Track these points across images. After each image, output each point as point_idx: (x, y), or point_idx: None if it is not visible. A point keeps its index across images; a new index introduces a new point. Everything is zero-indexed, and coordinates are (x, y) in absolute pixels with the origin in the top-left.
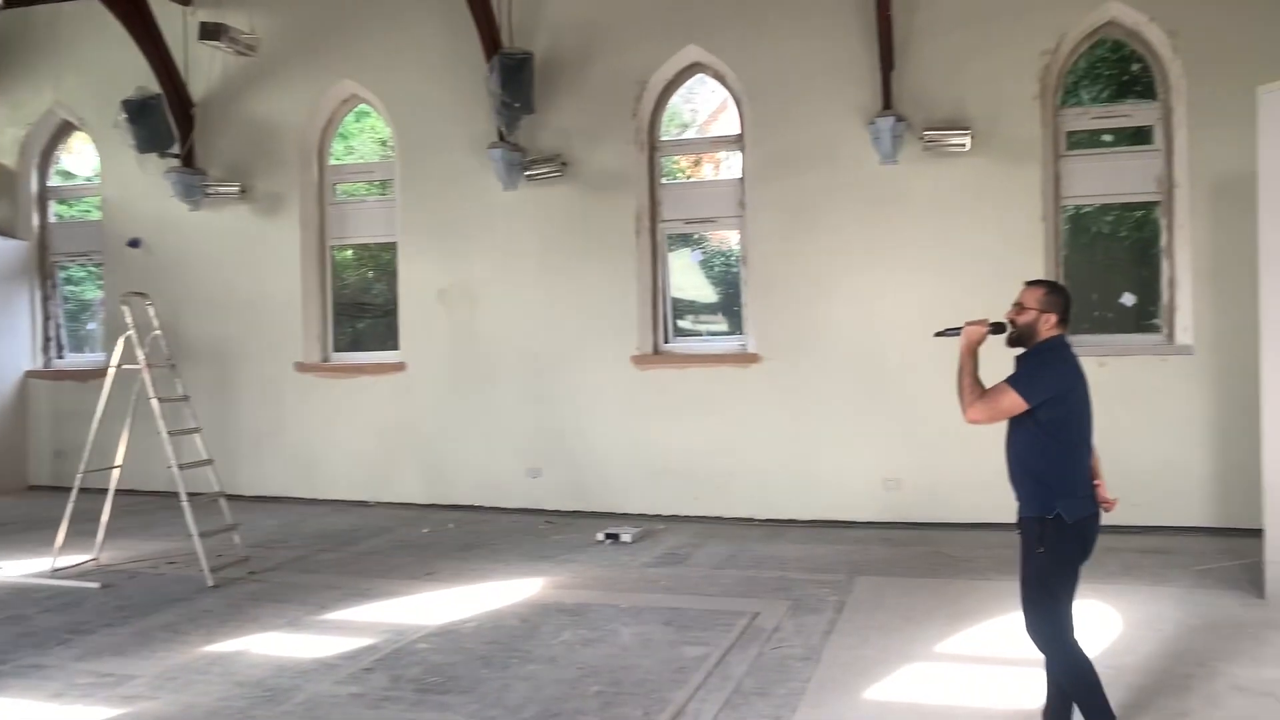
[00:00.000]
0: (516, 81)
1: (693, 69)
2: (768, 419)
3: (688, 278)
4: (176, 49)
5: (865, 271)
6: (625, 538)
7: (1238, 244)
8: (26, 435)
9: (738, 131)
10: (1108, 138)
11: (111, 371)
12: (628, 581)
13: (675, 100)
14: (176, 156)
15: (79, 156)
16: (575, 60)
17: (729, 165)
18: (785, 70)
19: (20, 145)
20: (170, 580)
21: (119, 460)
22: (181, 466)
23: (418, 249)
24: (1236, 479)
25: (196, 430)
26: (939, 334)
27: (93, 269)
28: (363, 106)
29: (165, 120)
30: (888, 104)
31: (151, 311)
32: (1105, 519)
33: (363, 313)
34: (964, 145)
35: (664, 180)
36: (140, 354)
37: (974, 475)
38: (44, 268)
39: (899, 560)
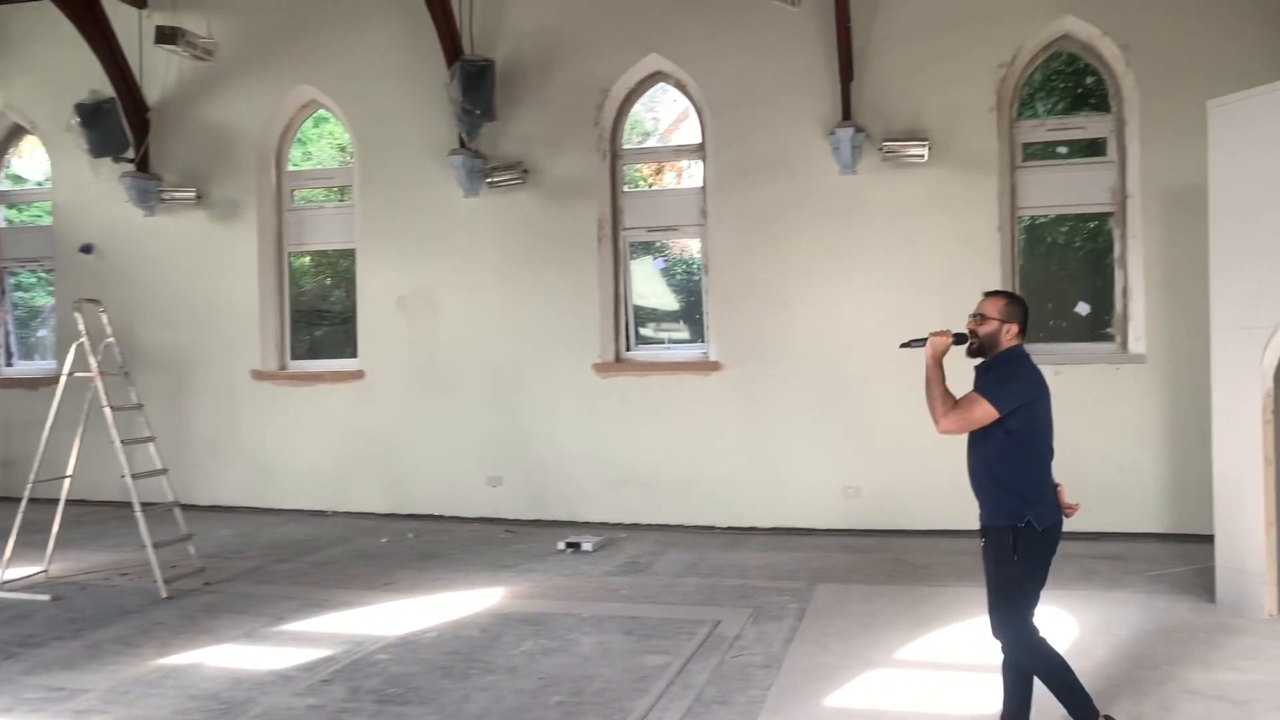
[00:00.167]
0: (478, 88)
1: (654, 78)
2: (729, 427)
3: (650, 286)
4: (131, 52)
5: (825, 280)
6: (586, 546)
7: (1189, 254)
8: None
9: (699, 140)
10: (1062, 149)
11: (63, 379)
12: (589, 590)
13: (637, 109)
14: (131, 161)
15: (30, 160)
16: (537, 68)
17: (691, 174)
18: (746, 80)
19: None
20: (123, 592)
21: (70, 470)
22: (135, 476)
23: (377, 256)
24: (1188, 486)
25: (150, 439)
26: (904, 345)
27: (44, 275)
28: (321, 112)
29: (119, 124)
30: (847, 115)
31: (105, 318)
32: (1064, 524)
33: (321, 320)
34: (922, 156)
35: (626, 188)
36: (93, 361)
37: (932, 482)
38: None
39: (859, 567)
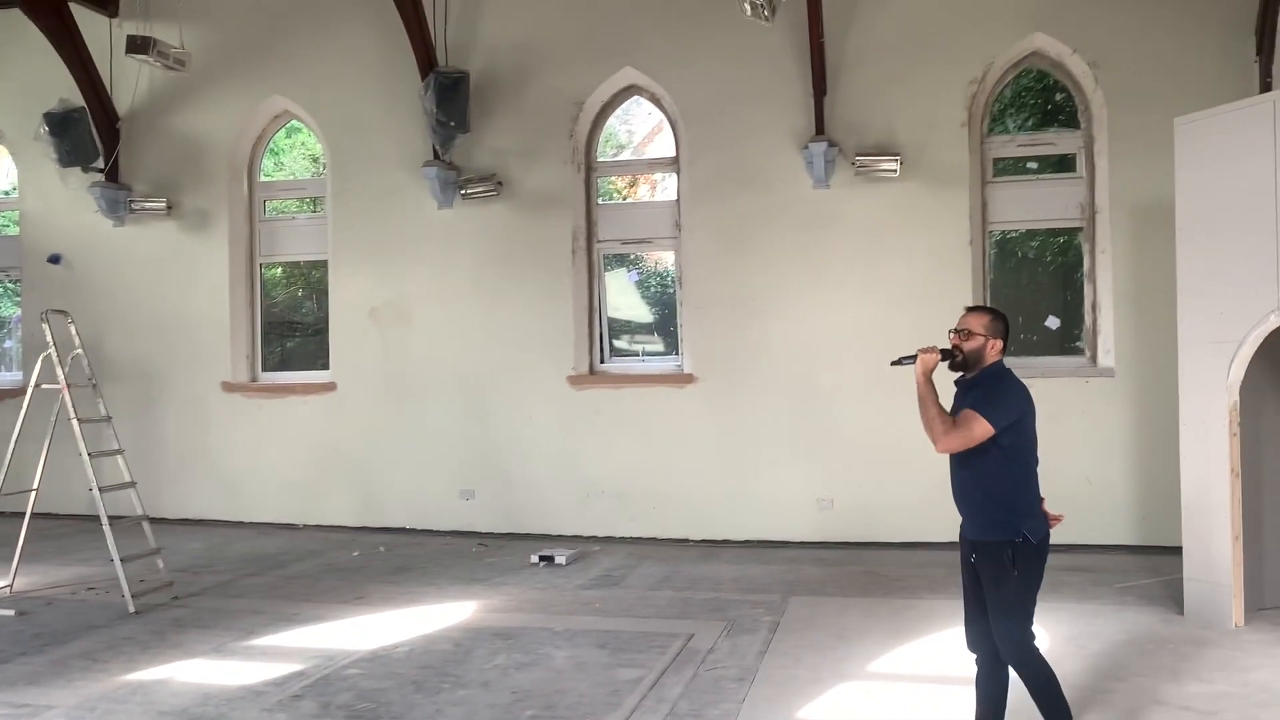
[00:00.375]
0: (452, 100)
1: (629, 91)
2: (702, 439)
3: (624, 298)
4: (102, 61)
5: (798, 293)
6: (559, 560)
7: (1157, 269)
8: None
9: (673, 154)
10: (1033, 165)
11: (30, 391)
12: (562, 604)
13: (612, 122)
14: (100, 171)
15: None
16: (511, 80)
17: (665, 187)
18: (720, 94)
19: None
20: (90, 607)
21: (36, 483)
22: (103, 489)
23: (350, 267)
24: (1157, 498)
25: (119, 452)
26: (895, 363)
27: (10, 285)
28: (294, 123)
29: (89, 133)
30: (820, 129)
31: (73, 329)
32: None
33: (292, 331)
34: (894, 170)
35: (600, 200)
36: (61, 373)
37: (905, 495)
38: None
39: (832, 580)
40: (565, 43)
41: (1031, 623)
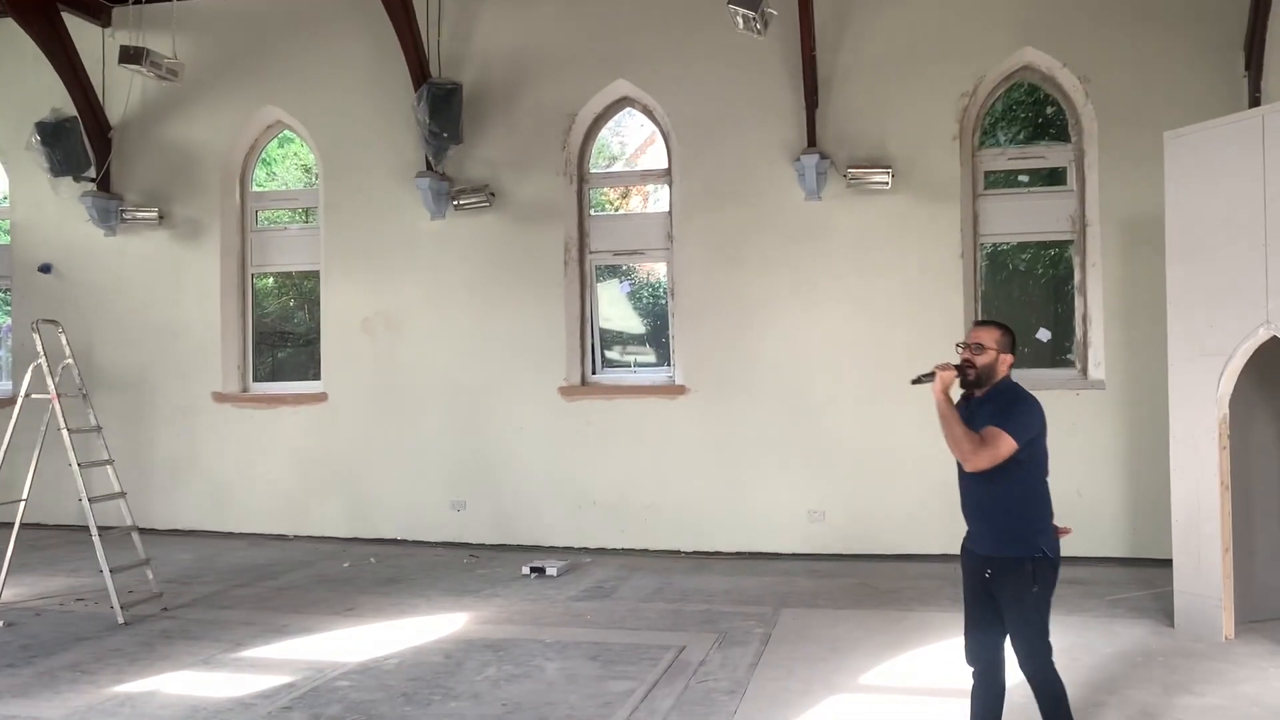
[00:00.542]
0: (445, 111)
1: (621, 103)
2: (694, 450)
3: (616, 309)
4: (94, 70)
5: (790, 305)
6: (551, 571)
7: (1147, 282)
8: None
9: (666, 165)
10: (1023, 178)
11: (20, 401)
12: (553, 616)
13: (604, 133)
14: (92, 180)
15: None
16: (504, 92)
17: (657, 198)
18: (713, 106)
19: None
20: (79, 618)
21: (26, 493)
22: (92, 499)
23: (342, 277)
24: (1147, 510)
25: (109, 462)
26: (916, 381)
27: (1, 294)
28: (286, 133)
29: (81, 143)
30: (812, 141)
31: (64, 339)
32: None
33: (284, 342)
34: (886, 183)
35: (593, 212)
36: (51, 383)
37: (897, 507)
38: None
39: (824, 592)
40: (558, 55)
41: (1049, 635)
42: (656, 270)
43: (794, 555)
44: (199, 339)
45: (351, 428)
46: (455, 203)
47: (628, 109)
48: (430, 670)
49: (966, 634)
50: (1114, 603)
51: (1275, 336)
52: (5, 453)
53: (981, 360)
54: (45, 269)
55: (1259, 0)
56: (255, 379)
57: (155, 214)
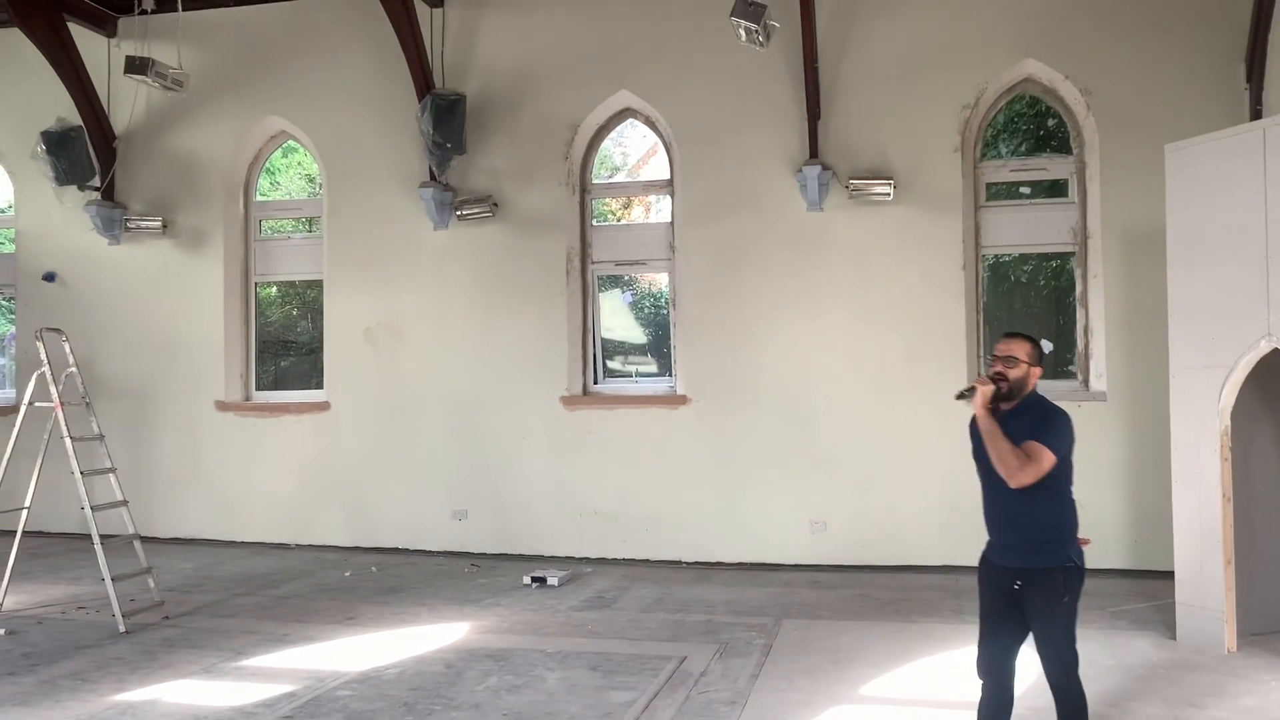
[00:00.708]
0: (448, 122)
1: (624, 114)
2: (696, 461)
3: (618, 319)
4: (99, 80)
5: (792, 315)
6: (552, 581)
7: (1149, 294)
8: None
9: (668, 176)
10: (1025, 190)
11: (23, 409)
12: (554, 625)
13: (606, 144)
14: (97, 189)
15: None
16: (507, 102)
17: (659, 209)
18: (715, 117)
19: None
20: (80, 626)
21: (28, 501)
22: (95, 508)
23: (345, 287)
24: (1149, 522)
25: (111, 470)
26: (959, 396)
27: (5, 303)
28: (290, 143)
29: (86, 152)
30: (814, 152)
31: (67, 347)
32: None
33: (287, 351)
34: (888, 194)
35: (595, 222)
36: (54, 391)
37: (899, 518)
38: None
39: (826, 603)
40: (561, 66)
41: (1076, 644)
42: (658, 280)
43: (795, 566)
44: (202, 348)
45: (354, 437)
46: (458, 213)
47: (630, 120)
48: (431, 680)
49: (981, 645)
50: (1116, 615)
51: (1277, 349)
52: (8, 460)
53: (1015, 374)
54: (49, 278)
55: (1260, 14)
56: (258, 388)
57: (159, 223)
